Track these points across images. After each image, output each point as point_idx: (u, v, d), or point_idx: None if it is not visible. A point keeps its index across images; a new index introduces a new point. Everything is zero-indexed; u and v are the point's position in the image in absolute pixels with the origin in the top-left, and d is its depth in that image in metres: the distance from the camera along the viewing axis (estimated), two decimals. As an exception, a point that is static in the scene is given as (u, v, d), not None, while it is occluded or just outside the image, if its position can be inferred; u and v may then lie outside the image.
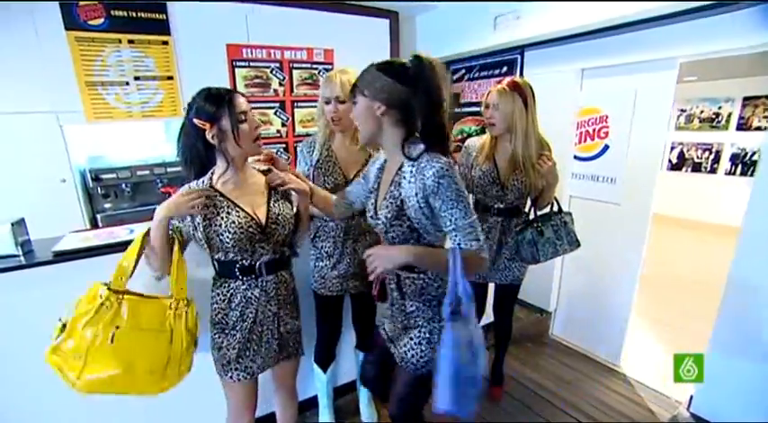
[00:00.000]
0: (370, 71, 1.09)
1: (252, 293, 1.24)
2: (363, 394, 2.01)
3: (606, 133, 2.44)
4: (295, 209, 1.34)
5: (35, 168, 2.04)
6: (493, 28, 2.75)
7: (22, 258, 1.30)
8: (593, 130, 2.50)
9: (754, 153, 5.22)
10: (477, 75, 3.16)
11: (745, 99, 5.25)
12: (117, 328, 1.09)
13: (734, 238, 1.85)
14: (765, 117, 5.12)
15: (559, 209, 1.87)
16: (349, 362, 2.07)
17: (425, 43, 3.36)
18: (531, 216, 1.88)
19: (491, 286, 2.10)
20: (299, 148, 1.67)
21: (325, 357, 1.84)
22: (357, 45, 3.00)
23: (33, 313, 1.34)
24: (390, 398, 1.33)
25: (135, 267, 1.14)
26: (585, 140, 2.56)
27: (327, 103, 1.54)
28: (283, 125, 2.86)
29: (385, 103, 1.06)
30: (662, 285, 3.72)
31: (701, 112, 5.62)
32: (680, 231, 5.48)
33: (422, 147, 1.07)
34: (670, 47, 2.05)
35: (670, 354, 1.79)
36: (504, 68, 2.92)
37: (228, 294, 1.24)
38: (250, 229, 1.18)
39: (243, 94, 1.20)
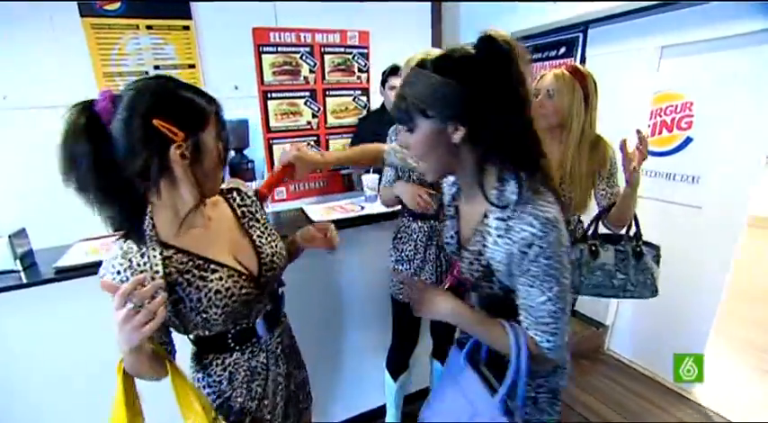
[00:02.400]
0: (425, 77, 0.71)
1: (257, 361, 0.91)
2: None
3: (689, 123, 2.05)
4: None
5: (53, 167, 1.92)
6: (552, 1, 2.39)
7: (22, 275, 1.17)
8: (672, 119, 2.12)
9: None
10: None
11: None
12: None
13: None
14: None
15: (638, 234, 1.43)
16: (422, 369, 1.91)
17: (471, 23, 3.03)
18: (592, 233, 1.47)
19: None
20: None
21: (399, 366, 1.74)
22: (395, 26, 2.72)
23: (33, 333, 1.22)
24: None
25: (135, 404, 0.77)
26: (661, 132, 2.18)
27: None
28: (314, 116, 2.65)
29: (461, 122, 0.71)
30: (755, 302, 3.16)
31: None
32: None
33: (511, 188, 0.73)
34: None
35: (761, 383, 1.45)
36: (563, 49, 2.56)
37: (227, 373, 0.88)
38: (243, 292, 0.81)
39: None
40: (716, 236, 2.01)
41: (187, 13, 2.06)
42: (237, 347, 0.87)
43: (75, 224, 1.90)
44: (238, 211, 0.91)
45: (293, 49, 2.42)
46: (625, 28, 2.20)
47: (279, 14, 2.34)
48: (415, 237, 1.51)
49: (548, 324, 0.75)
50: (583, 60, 2.44)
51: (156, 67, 2.07)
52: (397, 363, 1.73)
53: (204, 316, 0.78)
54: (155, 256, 0.74)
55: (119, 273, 0.73)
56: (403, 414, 1.86)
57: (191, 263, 0.77)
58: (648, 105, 2.20)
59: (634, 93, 2.23)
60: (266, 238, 0.91)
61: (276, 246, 0.92)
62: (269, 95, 2.34)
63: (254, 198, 0.97)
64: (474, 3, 2.95)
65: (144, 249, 0.74)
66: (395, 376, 1.74)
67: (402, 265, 1.55)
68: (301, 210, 1.81)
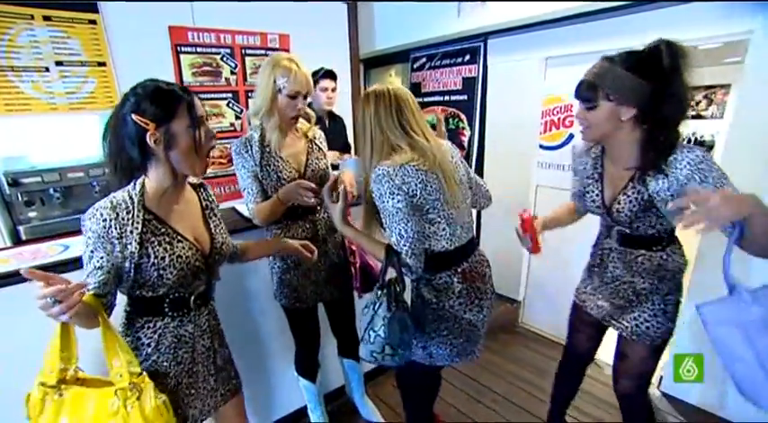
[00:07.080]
0: (613, 69, 0.98)
1: (185, 330, 1.03)
2: (357, 393, 1.91)
3: (571, 122, 2.45)
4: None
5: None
6: (456, 14, 2.68)
7: None
8: (558, 119, 2.52)
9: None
10: (438, 63, 3.09)
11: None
12: None
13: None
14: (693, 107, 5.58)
15: None
16: (332, 369, 1.95)
17: (384, 30, 3.23)
18: None
19: None
20: (234, 151, 1.42)
21: (312, 367, 1.72)
22: (314, 31, 2.80)
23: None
24: (619, 374, 1.36)
25: (71, 346, 0.87)
26: (551, 129, 2.57)
27: (293, 97, 1.34)
28: (237, 118, 2.62)
29: (635, 107, 0.98)
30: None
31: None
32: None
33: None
34: (635, 36, 2.05)
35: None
36: (467, 56, 2.87)
37: (156, 336, 0.99)
38: (197, 264, 0.99)
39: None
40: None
41: (92, 6, 1.90)
42: (170, 313, 1.00)
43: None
44: (203, 203, 1.10)
45: (213, 49, 2.37)
46: (519, 40, 2.55)
47: (196, 13, 2.27)
48: (303, 237, 1.42)
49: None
50: (485, 67, 2.76)
51: (59, 64, 1.87)
52: (310, 365, 1.71)
53: (161, 273, 0.92)
54: (138, 216, 0.90)
55: (105, 221, 0.86)
56: (328, 413, 1.87)
57: (163, 229, 0.95)
58: (540, 106, 2.58)
59: (528, 96, 2.59)
60: (219, 229, 1.11)
61: (225, 237, 1.12)
62: (189, 96, 2.27)
63: (213, 197, 1.16)
64: (387, 3, 3.14)
65: (131, 208, 0.90)
66: (311, 378, 1.72)
67: (290, 272, 1.47)
68: (233, 209, 1.80)
